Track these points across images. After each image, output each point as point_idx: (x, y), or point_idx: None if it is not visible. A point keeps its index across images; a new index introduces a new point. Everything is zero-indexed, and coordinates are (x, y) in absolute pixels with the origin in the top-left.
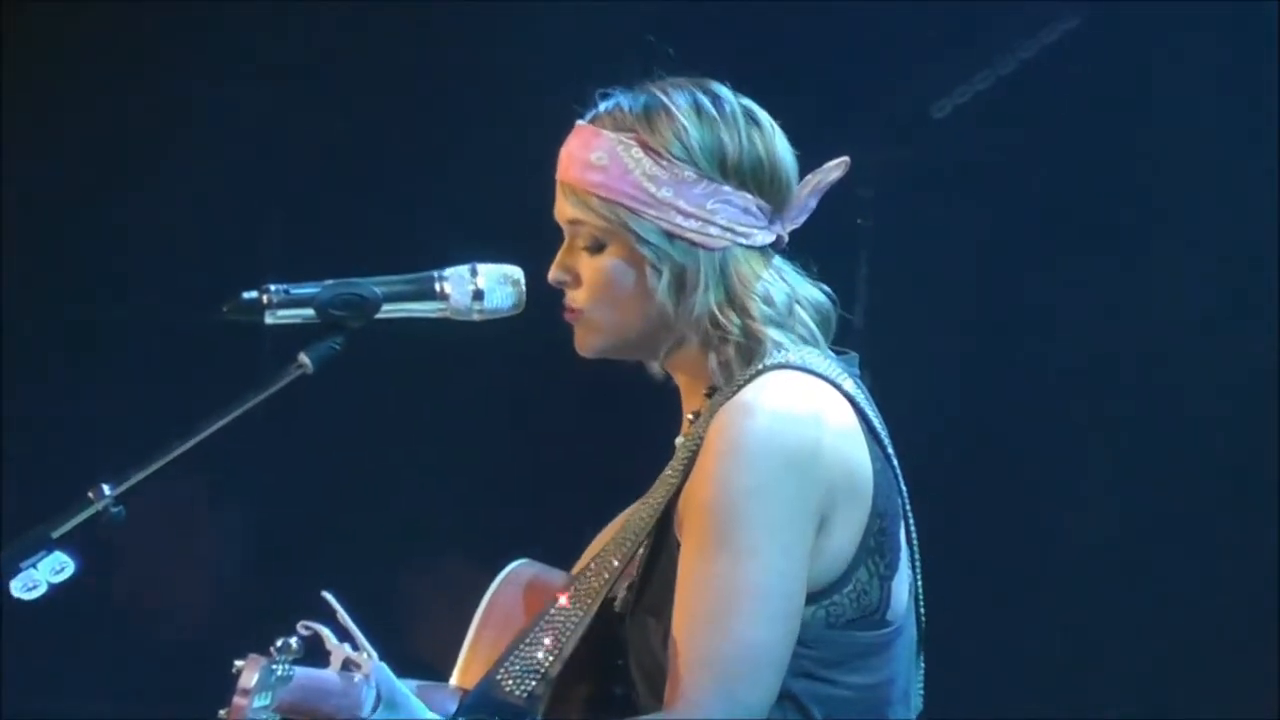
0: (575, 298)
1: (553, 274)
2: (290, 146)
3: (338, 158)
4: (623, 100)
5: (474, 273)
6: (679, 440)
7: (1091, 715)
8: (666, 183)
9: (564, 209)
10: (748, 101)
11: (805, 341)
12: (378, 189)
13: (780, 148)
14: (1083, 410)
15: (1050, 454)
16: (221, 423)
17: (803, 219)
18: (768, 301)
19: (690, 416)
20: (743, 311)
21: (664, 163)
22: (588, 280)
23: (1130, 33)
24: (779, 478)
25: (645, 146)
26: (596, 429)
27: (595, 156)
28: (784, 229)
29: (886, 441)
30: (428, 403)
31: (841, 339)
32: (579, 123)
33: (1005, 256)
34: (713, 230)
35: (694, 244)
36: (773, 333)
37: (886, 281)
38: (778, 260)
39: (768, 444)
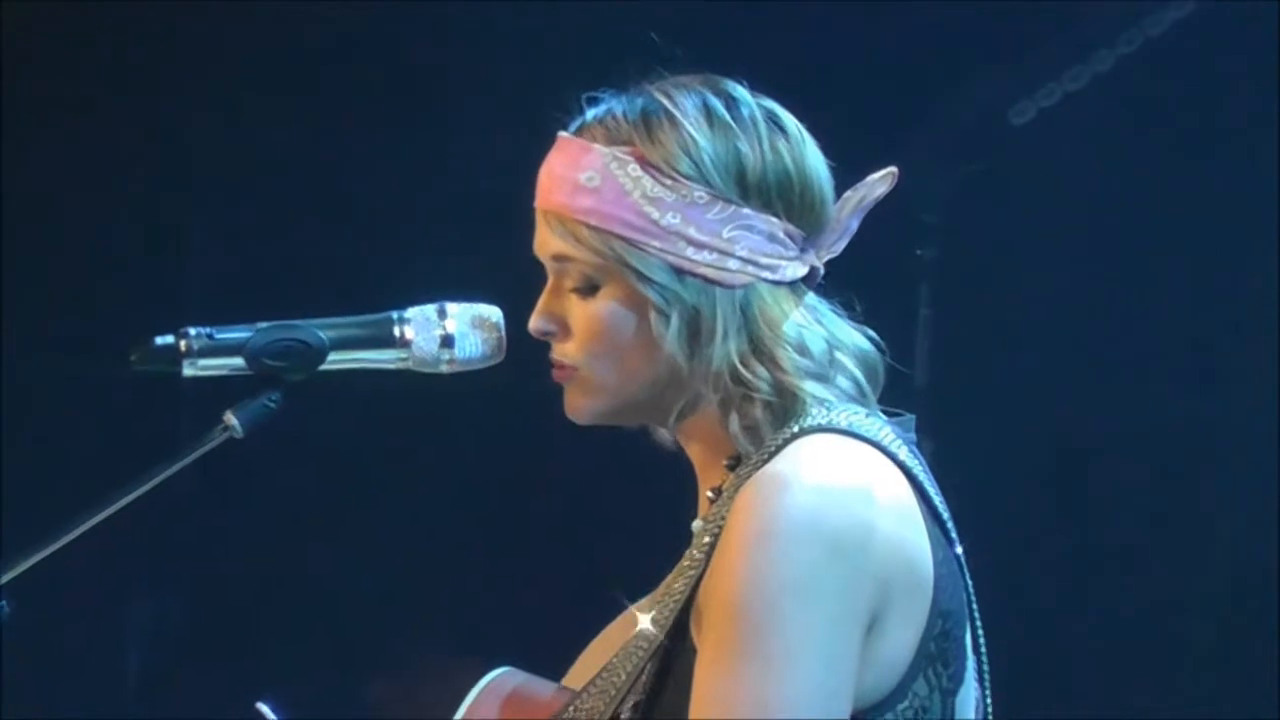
0: (564, 351)
1: (534, 323)
2: (218, 160)
3: (275, 172)
4: (615, 106)
5: (442, 314)
6: (696, 524)
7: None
8: (673, 206)
9: (547, 242)
10: (769, 104)
11: (850, 398)
12: (327, 209)
13: (811, 159)
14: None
15: (1158, 543)
16: (130, 498)
17: (842, 245)
18: (802, 350)
19: (710, 494)
20: (772, 363)
21: (669, 182)
22: (579, 330)
23: (1253, 21)
24: (821, 569)
25: (645, 162)
26: (595, 507)
27: (585, 177)
28: (819, 258)
29: (949, 525)
30: (384, 472)
31: (895, 398)
32: (562, 135)
33: (1100, 295)
34: (732, 264)
35: (709, 281)
36: (811, 387)
37: (953, 326)
38: (811, 298)
39: (808, 527)
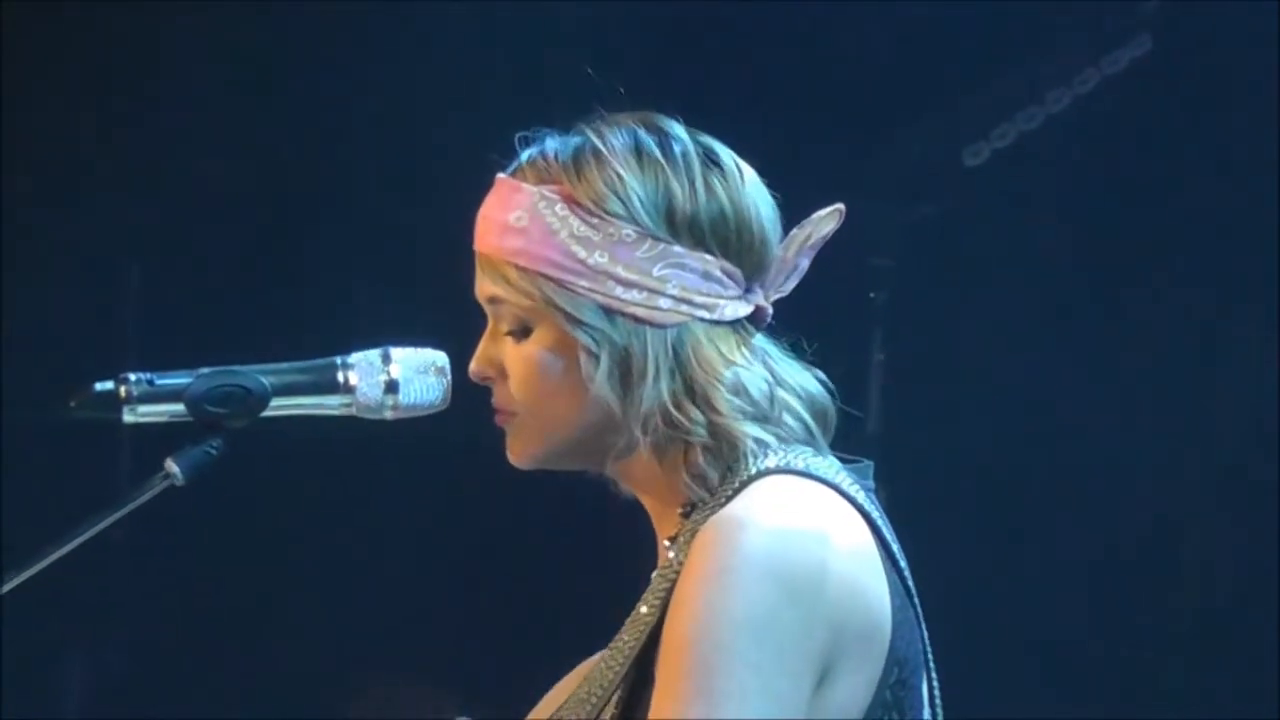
0: (501, 395)
1: (473, 367)
2: (159, 201)
3: (220, 215)
4: (549, 145)
5: (386, 359)
6: (655, 574)
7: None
8: (600, 245)
9: (482, 285)
10: (707, 140)
11: (798, 440)
12: (272, 252)
13: (750, 196)
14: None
15: (1098, 582)
16: (66, 549)
17: (792, 284)
18: (738, 391)
19: (665, 543)
20: (706, 404)
21: (596, 220)
22: (513, 373)
23: (1201, 59)
24: (776, 608)
25: (572, 201)
26: (552, 555)
27: (514, 217)
28: (765, 298)
29: (906, 571)
30: (324, 521)
31: (849, 444)
32: (499, 176)
33: (1055, 339)
34: (663, 302)
35: (639, 320)
36: (749, 428)
37: (906, 371)
38: (759, 339)
39: (763, 566)
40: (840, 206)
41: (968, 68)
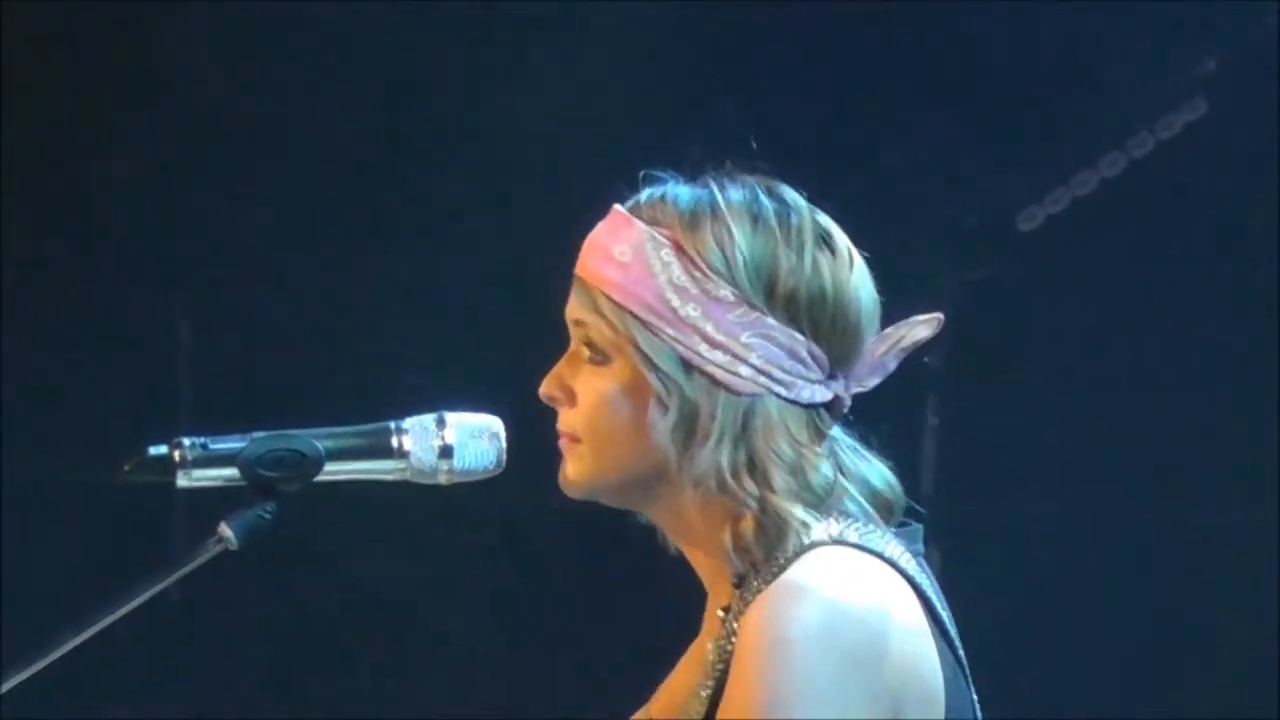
0: (566, 420)
1: (544, 387)
2: (214, 266)
3: (274, 278)
4: (671, 189)
5: (441, 424)
6: (709, 644)
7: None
8: (695, 298)
9: (573, 307)
10: (825, 219)
11: (849, 517)
12: (327, 315)
13: (856, 285)
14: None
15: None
16: (121, 612)
17: (874, 382)
18: (795, 472)
19: (720, 613)
20: (763, 479)
21: (697, 273)
22: (583, 400)
23: (1256, 122)
24: (836, 681)
25: (679, 248)
26: (604, 620)
27: (619, 250)
28: (847, 389)
29: (955, 638)
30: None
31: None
32: (615, 207)
33: (1109, 403)
34: (743, 369)
35: (716, 382)
36: (799, 512)
37: (961, 436)
38: (836, 431)
39: (824, 639)
40: (939, 316)
41: (1022, 132)
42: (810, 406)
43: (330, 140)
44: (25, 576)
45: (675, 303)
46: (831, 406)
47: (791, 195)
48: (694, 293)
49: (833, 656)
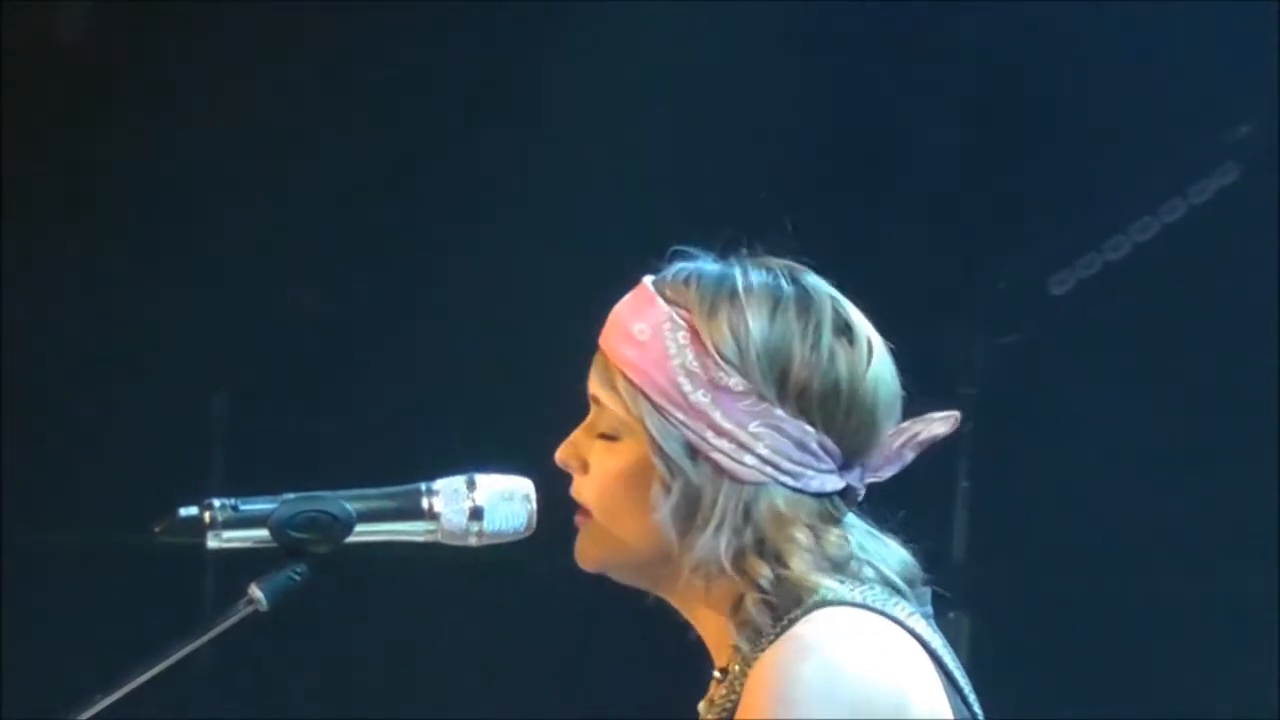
0: (579, 489)
1: (560, 453)
2: (239, 323)
3: (303, 340)
4: (696, 269)
5: (471, 485)
6: (701, 706)
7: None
8: (705, 385)
9: (592, 380)
10: (848, 310)
11: (865, 582)
12: (356, 376)
13: (874, 377)
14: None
15: None
16: (148, 675)
17: (890, 473)
18: (810, 550)
19: (717, 675)
20: (775, 559)
21: (709, 361)
22: (592, 474)
23: None
24: None
25: (694, 333)
26: (602, 685)
27: (638, 328)
28: (861, 479)
29: (971, 696)
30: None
31: (933, 571)
32: (645, 279)
33: (1139, 467)
34: (748, 459)
35: (720, 470)
36: (814, 576)
37: (992, 501)
38: (850, 517)
39: (826, 695)
40: (956, 414)
41: (1055, 196)
42: (821, 496)
43: (362, 204)
44: (55, 638)
45: (686, 387)
46: (845, 494)
47: (815, 283)
48: (704, 379)
49: (834, 714)
